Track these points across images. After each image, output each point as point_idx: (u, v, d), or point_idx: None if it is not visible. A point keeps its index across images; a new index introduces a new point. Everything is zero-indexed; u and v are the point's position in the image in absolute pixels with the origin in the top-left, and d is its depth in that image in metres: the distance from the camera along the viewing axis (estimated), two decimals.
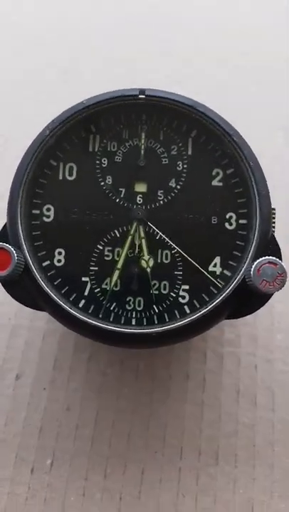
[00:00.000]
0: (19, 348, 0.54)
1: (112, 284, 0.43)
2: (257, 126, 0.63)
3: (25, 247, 0.41)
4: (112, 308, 0.43)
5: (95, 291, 0.43)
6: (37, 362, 0.53)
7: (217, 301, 0.40)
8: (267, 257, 0.38)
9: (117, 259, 0.43)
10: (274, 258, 0.38)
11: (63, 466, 0.50)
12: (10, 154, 0.61)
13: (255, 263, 0.38)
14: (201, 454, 0.50)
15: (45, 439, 0.51)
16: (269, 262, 0.38)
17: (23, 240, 0.41)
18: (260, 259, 0.38)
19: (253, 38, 0.71)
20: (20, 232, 0.41)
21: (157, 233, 0.43)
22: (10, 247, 0.39)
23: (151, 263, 0.43)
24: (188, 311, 0.42)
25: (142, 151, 0.44)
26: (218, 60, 0.69)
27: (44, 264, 0.43)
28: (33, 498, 0.49)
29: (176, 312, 0.42)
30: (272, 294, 0.40)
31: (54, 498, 0.49)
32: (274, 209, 0.42)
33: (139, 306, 0.43)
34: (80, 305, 0.42)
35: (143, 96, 0.43)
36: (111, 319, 0.42)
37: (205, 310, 0.41)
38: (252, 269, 0.38)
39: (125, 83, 0.66)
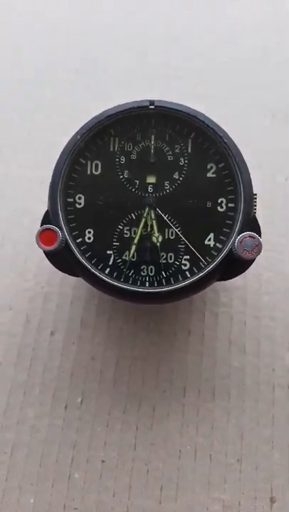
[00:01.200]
0: (52, 311, 0.60)
1: (130, 255, 0.48)
2: (246, 112, 0.70)
3: (64, 228, 0.47)
4: (130, 274, 0.48)
5: (117, 261, 0.48)
6: (67, 321, 0.59)
7: (211, 267, 0.47)
8: (247, 232, 0.45)
9: (134, 236, 0.49)
10: (253, 233, 0.45)
11: (91, 403, 0.56)
12: (35, 145, 0.69)
13: (238, 237, 0.45)
14: (201, 393, 0.56)
15: (75, 382, 0.56)
16: (249, 236, 0.45)
17: (62, 222, 0.47)
18: (242, 234, 0.45)
19: (242, 29, 0.76)
20: (61, 216, 0.47)
21: (164, 215, 0.49)
22: (55, 227, 0.46)
23: (160, 239, 0.48)
24: (188, 275, 0.48)
25: (152, 150, 0.49)
26: (210, 56, 0.74)
27: (78, 241, 0.48)
28: (68, 429, 0.55)
29: (179, 276, 0.48)
30: (252, 261, 0.47)
31: (84, 429, 0.55)
32: (256, 194, 0.48)
33: (151, 272, 0.48)
34: (106, 272, 0.48)
35: (152, 106, 0.49)
36: (130, 282, 0.48)
37: (201, 274, 0.47)
38: (236, 242, 0.45)
39: (135, 72, 0.72)
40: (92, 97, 0.73)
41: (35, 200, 0.66)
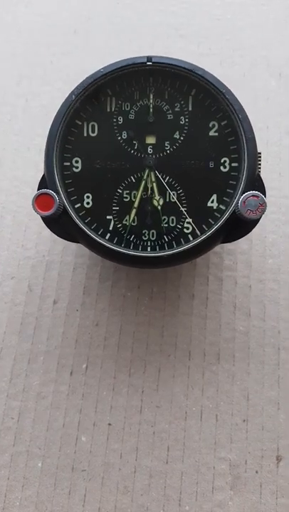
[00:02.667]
0: (54, 279, 0.60)
1: (131, 220, 0.48)
2: (252, 71, 0.67)
3: (61, 192, 0.46)
4: (131, 239, 0.48)
5: (118, 226, 0.48)
6: (69, 289, 0.59)
7: (213, 229, 0.46)
8: (251, 192, 0.44)
9: (134, 200, 0.48)
10: (256, 192, 0.43)
11: (96, 368, 0.56)
12: (31, 112, 0.67)
13: (242, 197, 0.44)
14: (206, 356, 0.56)
15: (80, 348, 0.57)
16: (252, 196, 0.44)
17: (59, 187, 0.46)
18: (246, 193, 0.44)
19: None
20: (57, 180, 0.46)
21: (165, 177, 0.47)
22: (52, 192, 0.45)
23: (161, 202, 0.48)
24: (191, 239, 0.47)
25: (151, 109, 0.48)
26: (214, 13, 0.71)
27: (76, 206, 0.47)
28: (73, 394, 0.55)
29: (181, 240, 0.47)
30: (257, 221, 0.45)
31: (90, 393, 0.56)
32: (260, 153, 0.47)
33: (152, 236, 0.48)
34: (107, 237, 0.47)
35: (150, 63, 0.47)
36: (131, 247, 0.47)
37: (204, 237, 0.46)
38: (239, 202, 0.44)
39: (136, 32, 0.69)
40: (92, 59, 0.70)
41: (35, 170, 0.65)
